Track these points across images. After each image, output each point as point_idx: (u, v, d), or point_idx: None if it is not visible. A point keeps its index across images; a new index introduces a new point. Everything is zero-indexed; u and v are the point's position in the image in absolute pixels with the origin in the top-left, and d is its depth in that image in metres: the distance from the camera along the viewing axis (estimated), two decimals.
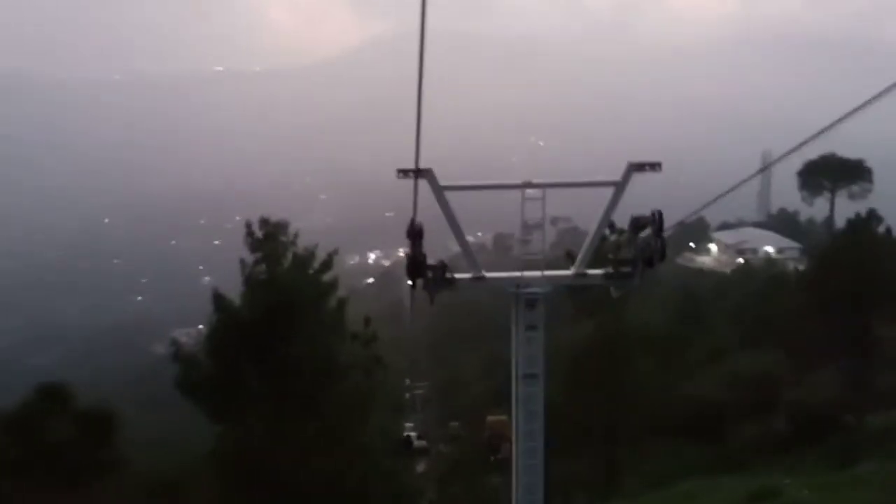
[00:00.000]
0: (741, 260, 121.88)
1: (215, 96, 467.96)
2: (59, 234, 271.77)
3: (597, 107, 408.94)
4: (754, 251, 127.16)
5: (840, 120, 8.40)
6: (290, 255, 24.62)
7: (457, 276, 12.83)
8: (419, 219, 11.56)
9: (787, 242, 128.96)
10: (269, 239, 24.68)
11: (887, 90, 7.50)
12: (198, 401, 24.11)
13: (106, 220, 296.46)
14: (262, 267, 24.50)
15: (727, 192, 12.24)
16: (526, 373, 13.10)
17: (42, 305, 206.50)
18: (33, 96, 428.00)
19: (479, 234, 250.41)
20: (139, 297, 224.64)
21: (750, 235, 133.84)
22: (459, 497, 31.95)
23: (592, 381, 42.54)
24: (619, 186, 11.87)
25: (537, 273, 12.88)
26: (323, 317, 24.52)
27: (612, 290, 14.06)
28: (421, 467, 56.07)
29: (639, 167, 11.68)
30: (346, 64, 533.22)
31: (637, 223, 12.34)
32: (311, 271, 24.74)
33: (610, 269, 13.13)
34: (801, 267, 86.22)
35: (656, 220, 11.88)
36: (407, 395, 41.77)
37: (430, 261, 12.25)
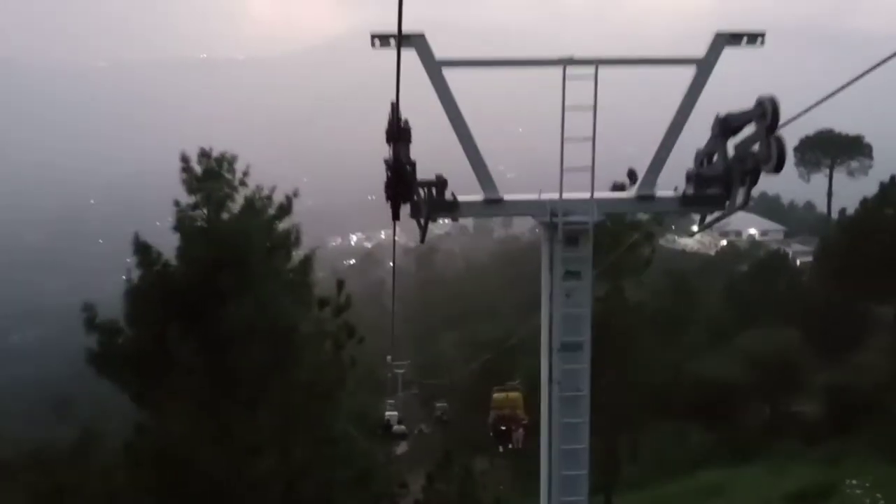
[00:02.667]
0: (724, 242, 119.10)
1: (199, 83, 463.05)
2: (44, 215, 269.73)
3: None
4: (738, 233, 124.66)
5: (811, 108, 7.94)
6: (238, 198, 18.75)
7: (462, 198, 8.95)
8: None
9: (770, 224, 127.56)
10: (210, 176, 18.45)
11: (856, 80, 7.20)
12: (116, 380, 18.14)
13: (91, 202, 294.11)
14: (202, 212, 18.65)
15: None
16: (564, 341, 9.15)
17: (25, 284, 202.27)
18: (20, 82, 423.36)
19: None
20: (123, 277, 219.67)
21: (732, 217, 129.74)
22: (451, 497, 25.61)
23: (595, 359, 37.48)
24: (704, 64, 8.47)
25: (583, 195, 9.04)
26: (281, 276, 18.67)
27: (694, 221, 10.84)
28: (401, 448, 52.75)
29: (732, 39, 8.37)
30: (328, 52, 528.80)
31: (727, 123, 8.51)
32: (265, 218, 18.87)
33: (689, 191, 8.99)
34: (787, 249, 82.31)
35: (768, 111, 7.80)
36: (388, 375, 37.27)
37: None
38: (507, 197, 9.12)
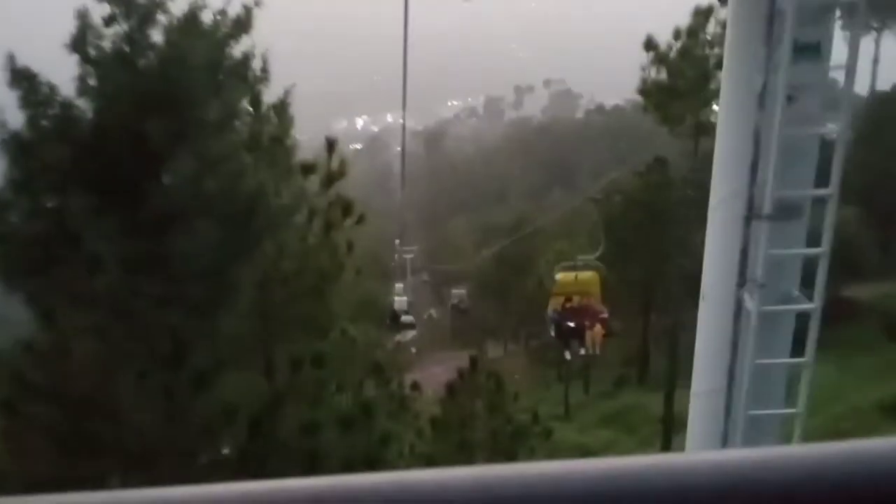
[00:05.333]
0: None
1: None
2: None
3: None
4: None
5: None
6: (174, 8, 12.09)
7: None
8: None
9: None
10: None
11: None
12: (2, 277, 12.23)
13: None
14: (121, 27, 12.39)
15: None
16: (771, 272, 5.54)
17: None
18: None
19: (469, 98, 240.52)
20: None
21: None
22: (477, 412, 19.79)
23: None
24: None
25: None
26: (239, 121, 12.64)
27: None
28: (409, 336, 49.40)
29: None
30: None
31: None
32: (215, 38, 12.64)
33: None
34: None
35: None
36: (396, 258, 33.25)
37: None
38: None
